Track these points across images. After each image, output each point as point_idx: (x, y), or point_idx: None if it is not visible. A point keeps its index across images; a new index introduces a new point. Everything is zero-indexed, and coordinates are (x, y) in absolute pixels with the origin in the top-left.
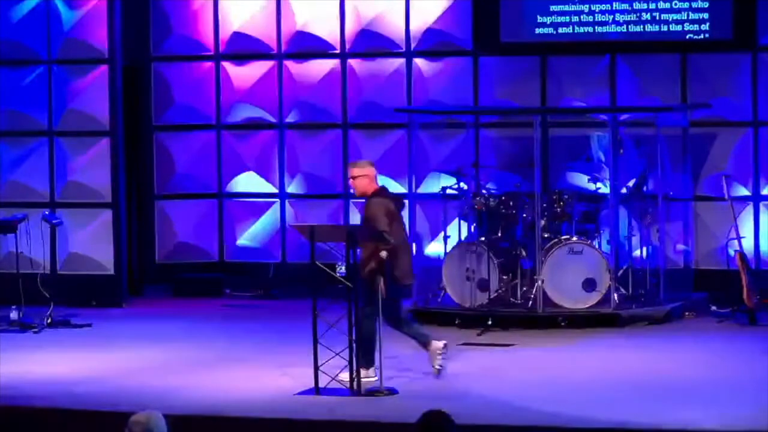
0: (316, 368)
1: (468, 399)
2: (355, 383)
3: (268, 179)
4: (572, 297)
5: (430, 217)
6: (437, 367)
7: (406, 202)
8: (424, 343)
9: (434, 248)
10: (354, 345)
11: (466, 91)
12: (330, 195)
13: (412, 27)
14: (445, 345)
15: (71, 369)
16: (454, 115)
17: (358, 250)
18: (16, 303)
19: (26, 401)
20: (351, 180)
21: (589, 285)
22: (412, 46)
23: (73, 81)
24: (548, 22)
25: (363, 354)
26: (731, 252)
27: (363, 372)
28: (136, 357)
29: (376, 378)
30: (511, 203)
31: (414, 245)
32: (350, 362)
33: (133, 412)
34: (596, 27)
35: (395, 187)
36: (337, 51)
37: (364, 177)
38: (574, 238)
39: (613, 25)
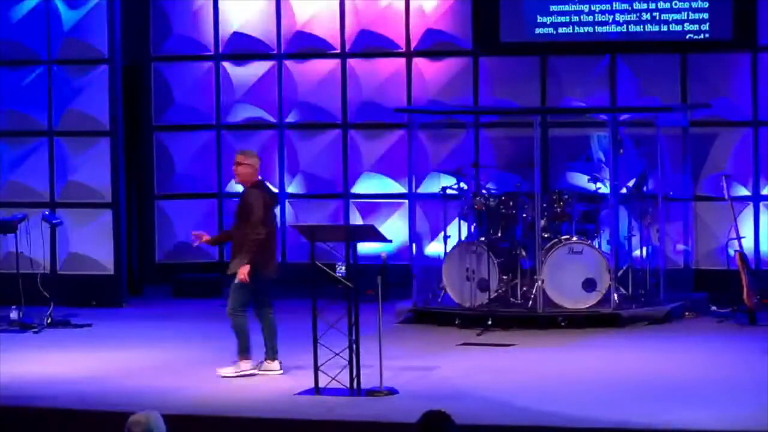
0: (316, 368)
1: (468, 399)
2: (355, 383)
3: (267, 179)
4: (572, 297)
5: (430, 217)
6: (228, 374)
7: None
8: (269, 353)
9: (434, 248)
10: (353, 345)
11: (466, 91)
12: (330, 195)
13: (412, 27)
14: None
15: (71, 369)
16: (454, 115)
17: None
18: (16, 303)
19: (26, 401)
20: (235, 166)
21: (589, 285)
22: (412, 46)
23: (73, 81)
24: (548, 22)
25: (241, 346)
26: (731, 252)
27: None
28: (136, 357)
29: (280, 371)
30: (511, 203)
31: (414, 245)
32: (350, 362)
33: (133, 412)
34: (596, 27)
35: (395, 188)
36: (337, 51)
37: (248, 166)
38: (574, 238)
39: (613, 25)
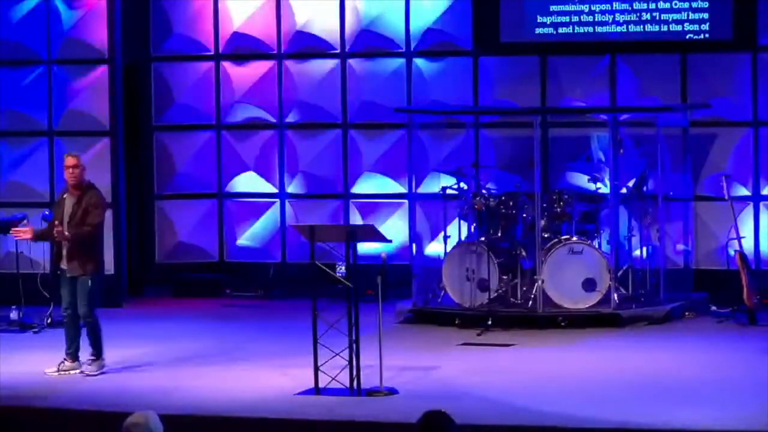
0: (316, 368)
1: (468, 399)
2: (355, 383)
3: (268, 179)
4: (572, 297)
5: (430, 217)
6: (55, 371)
7: None
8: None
9: (434, 248)
10: (353, 345)
11: (466, 91)
12: (330, 195)
13: (412, 27)
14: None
15: None
16: (454, 115)
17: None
18: (16, 303)
19: (26, 401)
20: (72, 168)
21: (589, 285)
22: (412, 46)
23: (73, 81)
24: (548, 22)
25: (95, 346)
26: (731, 252)
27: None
28: (135, 357)
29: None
30: (511, 203)
31: (414, 245)
32: (350, 362)
33: (132, 412)
34: (596, 27)
35: (395, 188)
36: (337, 51)
37: (84, 169)
38: (574, 238)
39: (613, 25)
